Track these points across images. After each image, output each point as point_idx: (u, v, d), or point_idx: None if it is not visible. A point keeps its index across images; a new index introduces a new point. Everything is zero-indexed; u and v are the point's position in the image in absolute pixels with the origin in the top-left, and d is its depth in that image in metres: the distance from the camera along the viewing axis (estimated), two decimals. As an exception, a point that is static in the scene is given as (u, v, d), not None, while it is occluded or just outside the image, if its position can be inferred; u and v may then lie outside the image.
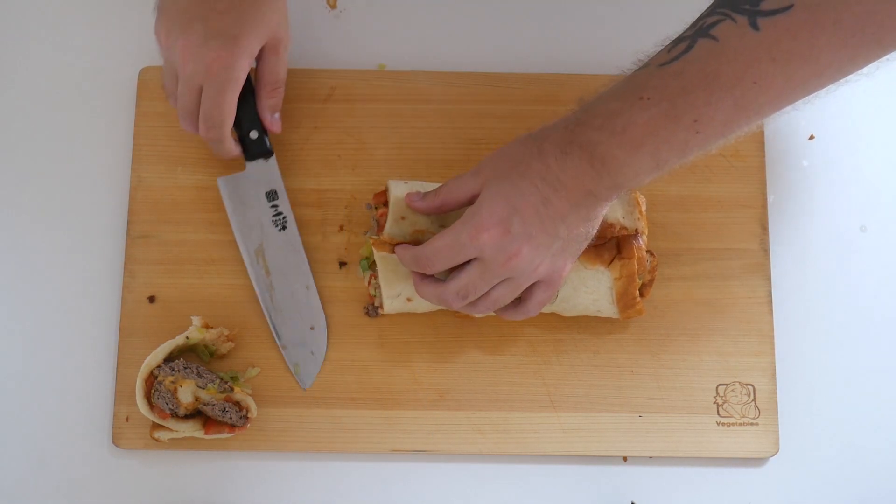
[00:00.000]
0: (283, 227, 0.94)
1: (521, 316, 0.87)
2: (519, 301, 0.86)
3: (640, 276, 0.89)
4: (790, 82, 0.70)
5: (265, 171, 0.94)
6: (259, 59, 0.90)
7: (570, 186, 0.77)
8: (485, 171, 0.81)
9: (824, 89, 0.72)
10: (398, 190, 0.88)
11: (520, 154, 0.80)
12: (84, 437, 0.92)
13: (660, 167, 0.76)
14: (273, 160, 0.94)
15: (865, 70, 0.71)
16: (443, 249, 0.81)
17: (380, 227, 0.90)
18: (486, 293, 0.83)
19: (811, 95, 0.73)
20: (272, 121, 0.93)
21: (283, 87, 0.93)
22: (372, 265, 0.92)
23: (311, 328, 0.93)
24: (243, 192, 0.94)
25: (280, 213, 0.94)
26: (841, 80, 0.72)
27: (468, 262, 0.82)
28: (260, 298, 0.93)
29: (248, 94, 0.91)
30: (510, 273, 0.81)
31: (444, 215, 0.89)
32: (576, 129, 0.77)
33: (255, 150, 0.93)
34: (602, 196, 0.79)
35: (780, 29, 0.69)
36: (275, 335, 0.93)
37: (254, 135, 0.92)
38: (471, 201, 0.82)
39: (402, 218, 0.88)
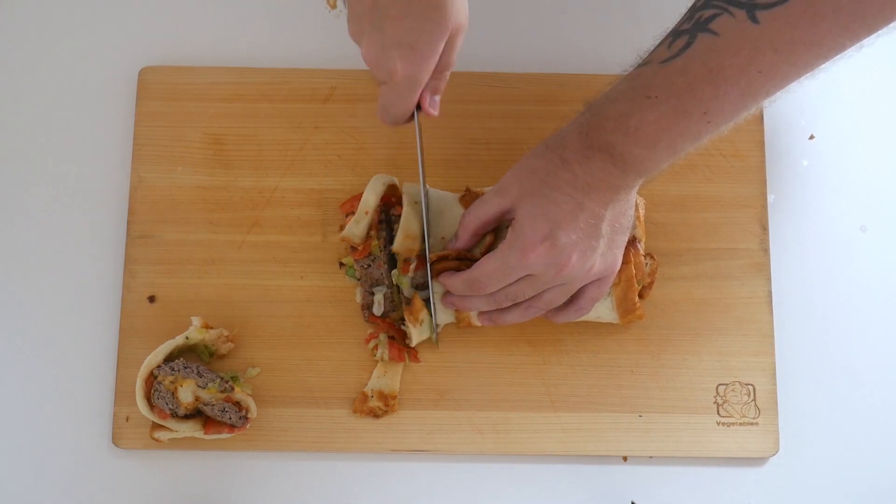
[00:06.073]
0: None
1: (576, 315, 0.89)
2: (570, 302, 0.88)
3: (638, 281, 0.89)
4: (794, 68, 0.72)
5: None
6: None
7: (600, 187, 0.79)
8: (511, 189, 0.82)
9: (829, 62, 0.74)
10: (371, 193, 0.90)
11: (544, 167, 0.80)
12: (84, 437, 0.92)
13: (677, 153, 0.77)
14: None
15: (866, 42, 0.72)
16: (493, 273, 0.83)
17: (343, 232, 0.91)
18: (537, 296, 0.86)
19: (815, 71, 0.74)
20: (432, 102, 0.84)
21: (450, 71, 0.84)
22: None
23: None
24: None
25: None
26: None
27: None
28: None
29: None
30: (563, 281, 0.83)
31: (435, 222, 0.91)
32: (591, 134, 0.78)
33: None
34: (630, 186, 0.81)
35: (781, 21, 0.69)
36: None
37: None
38: (498, 220, 0.85)
39: (366, 213, 0.89)
